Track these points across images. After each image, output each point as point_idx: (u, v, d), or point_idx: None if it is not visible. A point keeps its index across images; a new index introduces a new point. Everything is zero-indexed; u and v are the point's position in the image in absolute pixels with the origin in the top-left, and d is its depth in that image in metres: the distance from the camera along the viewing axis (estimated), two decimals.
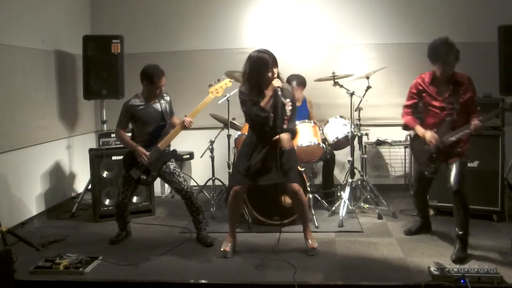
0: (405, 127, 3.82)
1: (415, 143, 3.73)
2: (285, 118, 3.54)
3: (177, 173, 3.95)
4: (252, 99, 3.51)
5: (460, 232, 3.49)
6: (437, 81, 3.55)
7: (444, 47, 3.41)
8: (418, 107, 3.71)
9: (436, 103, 3.55)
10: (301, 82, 5.00)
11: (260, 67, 3.47)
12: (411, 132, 3.90)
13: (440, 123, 3.55)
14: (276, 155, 3.53)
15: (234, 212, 3.76)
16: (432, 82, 3.57)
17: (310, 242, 3.73)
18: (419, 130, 3.61)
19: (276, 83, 3.46)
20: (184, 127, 3.86)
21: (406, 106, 3.74)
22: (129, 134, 4.07)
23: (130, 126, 4.04)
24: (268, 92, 3.50)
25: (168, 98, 4.05)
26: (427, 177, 3.75)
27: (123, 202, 3.98)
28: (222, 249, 3.70)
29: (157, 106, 3.96)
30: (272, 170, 3.60)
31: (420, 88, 3.61)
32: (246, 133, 3.80)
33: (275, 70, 3.52)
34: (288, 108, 3.51)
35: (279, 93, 3.43)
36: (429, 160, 3.58)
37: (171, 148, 4.04)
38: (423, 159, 3.63)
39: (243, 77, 3.59)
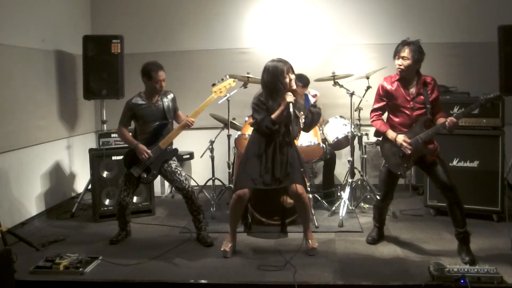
0: (377, 133, 3.73)
1: (385, 145, 3.68)
2: (299, 129, 3.64)
3: (178, 172, 3.95)
4: (268, 108, 3.55)
5: (462, 230, 3.48)
6: (403, 82, 3.56)
7: (402, 42, 3.52)
8: (385, 109, 3.68)
9: (406, 104, 3.54)
10: (305, 83, 5.02)
11: (275, 75, 3.54)
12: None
13: (410, 123, 3.55)
14: (287, 160, 3.60)
15: (236, 215, 3.76)
16: (398, 83, 3.57)
17: (310, 242, 3.73)
18: (391, 134, 3.58)
19: (288, 98, 3.49)
20: (186, 126, 3.86)
21: (374, 110, 3.69)
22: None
23: (133, 124, 4.04)
24: (282, 104, 3.51)
25: (171, 96, 4.04)
26: (395, 178, 3.72)
27: (125, 200, 3.98)
28: (222, 249, 3.70)
29: (159, 104, 3.96)
30: (283, 176, 3.60)
31: (388, 89, 3.59)
32: (251, 135, 3.79)
33: (291, 76, 3.57)
34: (302, 121, 3.60)
35: (291, 109, 3.46)
36: (401, 160, 3.55)
37: (174, 147, 4.04)
38: (395, 160, 3.60)
39: (262, 86, 3.65)
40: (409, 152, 3.48)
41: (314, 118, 3.72)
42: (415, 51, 3.46)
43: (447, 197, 3.50)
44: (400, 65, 3.50)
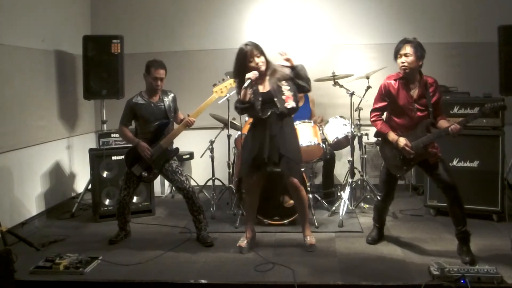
0: (377, 134, 3.69)
1: (385, 147, 3.65)
2: (283, 97, 3.60)
3: (179, 171, 3.96)
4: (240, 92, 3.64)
5: (462, 229, 3.47)
6: (406, 82, 3.52)
7: (401, 41, 3.49)
8: (386, 109, 3.64)
9: (408, 106, 3.50)
10: None
11: (239, 59, 3.60)
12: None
13: (412, 125, 3.51)
14: (284, 138, 3.61)
15: (249, 205, 3.84)
16: (401, 84, 3.53)
17: (308, 239, 3.74)
18: (392, 136, 3.54)
19: (248, 74, 3.52)
20: (187, 125, 3.87)
21: (375, 110, 3.64)
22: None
23: (133, 124, 4.05)
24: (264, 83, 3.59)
25: (172, 95, 4.05)
26: (395, 178, 3.71)
27: (125, 199, 3.98)
28: (237, 245, 3.75)
29: (160, 103, 3.97)
30: (279, 158, 3.61)
31: (390, 89, 3.55)
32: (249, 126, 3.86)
33: (257, 59, 3.56)
34: (286, 88, 3.61)
35: (246, 84, 3.50)
36: (401, 162, 3.53)
37: (174, 146, 4.04)
38: (394, 162, 3.58)
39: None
40: (412, 156, 3.47)
41: (300, 73, 3.65)
42: (416, 47, 3.43)
43: (448, 195, 3.49)
44: (403, 62, 3.45)
